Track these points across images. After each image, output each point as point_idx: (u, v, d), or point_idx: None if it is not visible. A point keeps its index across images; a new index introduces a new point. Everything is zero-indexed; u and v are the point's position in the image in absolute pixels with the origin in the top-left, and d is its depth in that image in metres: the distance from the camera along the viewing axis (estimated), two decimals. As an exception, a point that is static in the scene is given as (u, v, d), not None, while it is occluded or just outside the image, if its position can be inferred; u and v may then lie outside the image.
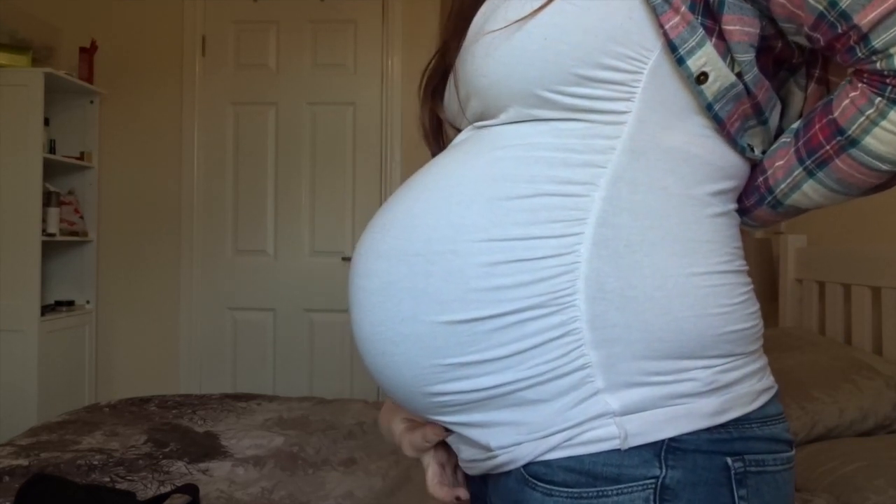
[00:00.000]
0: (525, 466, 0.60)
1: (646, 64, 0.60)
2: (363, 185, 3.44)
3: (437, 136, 0.78)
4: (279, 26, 3.46)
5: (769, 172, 0.66)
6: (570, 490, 0.58)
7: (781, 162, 0.65)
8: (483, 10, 0.69)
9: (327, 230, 3.46)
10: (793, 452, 0.64)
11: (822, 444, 1.53)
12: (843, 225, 2.17)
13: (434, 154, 0.78)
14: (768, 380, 0.64)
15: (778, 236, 2.42)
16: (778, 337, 1.99)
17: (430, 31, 3.36)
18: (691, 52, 0.59)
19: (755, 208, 0.69)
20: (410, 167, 3.13)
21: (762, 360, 0.65)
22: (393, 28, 3.42)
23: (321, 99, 3.45)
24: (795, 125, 0.66)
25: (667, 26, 0.58)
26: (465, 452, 0.67)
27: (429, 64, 0.79)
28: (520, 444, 0.60)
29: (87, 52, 3.37)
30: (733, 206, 0.66)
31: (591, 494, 0.57)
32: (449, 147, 0.70)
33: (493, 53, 0.63)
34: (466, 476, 0.72)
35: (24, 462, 1.74)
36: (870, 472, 1.33)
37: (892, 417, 1.58)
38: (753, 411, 0.61)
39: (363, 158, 3.44)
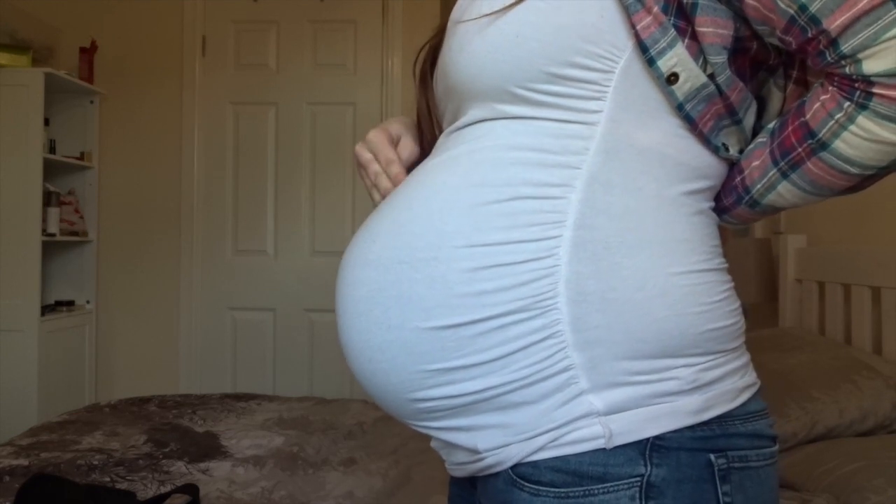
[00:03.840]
0: (513, 467, 0.61)
1: (617, 63, 0.60)
2: (363, 185, 3.43)
3: (429, 121, 0.77)
4: (279, 26, 3.46)
5: (746, 172, 0.67)
6: (556, 490, 0.59)
7: (757, 162, 0.66)
8: (460, 3, 0.69)
9: (327, 230, 3.46)
10: (776, 447, 0.64)
11: (822, 444, 1.53)
12: (843, 225, 2.17)
13: (420, 140, 0.78)
14: (750, 376, 0.65)
15: (778, 236, 2.41)
16: (778, 337, 1.99)
17: (431, 31, 3.36)
18: (662, 52, 0.59)
19: (734, 207, 0.69)
20: (410, 167, 3.12)
21: (744, 357, 0.65)
22: (393, 28, 3.42)
23: (321, 99, 3.45)
24: (771, 125, 0.66)
25: (638, 26, 0.59)
26: (452, 456, 0.67)
27: (424, 45, 0.79)
28: (507, 445, 0.61)
29: (87, 52, 3.37)
30: (709, 204, 0.66)
31: (577, 494, 0.58)
32: (432, 153, 0.71)
33: (466, 48, 0.63)
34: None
35: (24, 462, 1.74)
36: (870, 472, 1.33)
37: (892, 417, 1.58)
38: (736, 408, 0.61)
39: (363, 158, 3.44)
